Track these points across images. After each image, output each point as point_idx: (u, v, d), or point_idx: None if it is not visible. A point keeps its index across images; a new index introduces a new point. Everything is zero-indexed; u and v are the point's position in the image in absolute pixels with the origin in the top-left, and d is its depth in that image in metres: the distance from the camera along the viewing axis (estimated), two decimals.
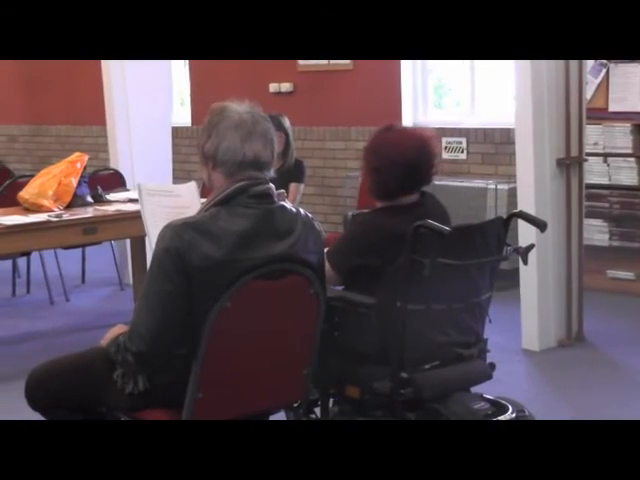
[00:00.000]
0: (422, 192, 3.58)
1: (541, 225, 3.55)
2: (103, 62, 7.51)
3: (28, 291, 7.25)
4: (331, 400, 3.56)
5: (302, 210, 3.10)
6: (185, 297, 2.85)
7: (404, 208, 3.50)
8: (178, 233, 2.85)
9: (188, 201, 3.27)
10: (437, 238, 3.19)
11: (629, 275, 6.70)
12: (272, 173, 3.02)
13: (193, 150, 8.99)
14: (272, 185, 3.01)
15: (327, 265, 3.34)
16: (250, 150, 2.93)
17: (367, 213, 3.63)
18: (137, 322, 2.91)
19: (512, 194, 6.49)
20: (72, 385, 3.15)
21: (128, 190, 6.64)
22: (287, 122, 6.45)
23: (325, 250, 3.28)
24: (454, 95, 7.89)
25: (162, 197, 3.86)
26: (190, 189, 4.00)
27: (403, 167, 3.46)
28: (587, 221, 6.20)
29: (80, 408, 3.15)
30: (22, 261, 7.23)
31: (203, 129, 3.00)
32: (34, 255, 7.02)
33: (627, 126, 6.59)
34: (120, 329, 3.03)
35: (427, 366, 3.35)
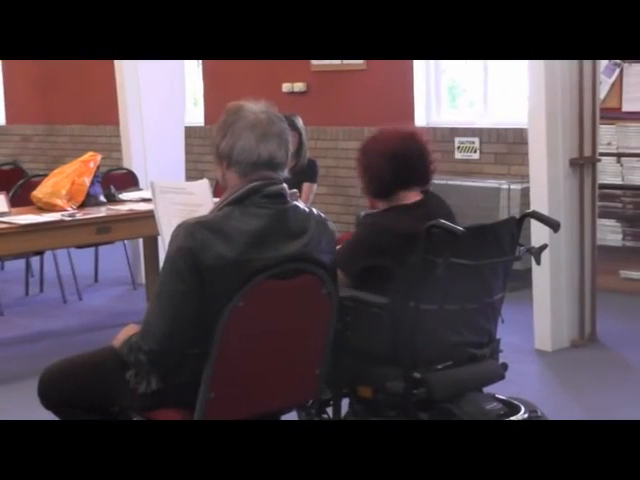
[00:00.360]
0: (426, 192, 3.59)
1: (554, 225, 3.55)
2: (116, 62, 7.52)
3: (41, 290, 7.27)
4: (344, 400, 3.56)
5: (315, 210, 3.10)
6: (197, 297, 2.86)
7: (409, 207, 3.50)
8: (191, 232, 2.85)
9: (201, 199, 3.27)
10: (450, 238, 3.19)
11: None
12: (286, 173, 3.03)
13: (206, 150, 9.01)
14: (286, 185, 3.01)
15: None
16: (265, 150, 2.93)
17: (373, 214, 3.63)
18: (150, 321, 2.92)
19: (525, 194, 6.47)
20: (84, 384, 3.16)
21: (141, 189, 6.65)
22: (300, 122, 6.46)
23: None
24: (467, 95, 7.87)
25: (175, 194, 3.86)
26: (203, 187, 4.01)
27: (392, 158, 3.48)
28: (600, 221, 6.18)
29: (92, 407, 3.16)
30: (35, 260, 7.26)
31: (218, 128, 3.00)
32: (47, 254, 7.05)
33: None
34: (132, 329, 3.03)
35: (440, 366, 3.34)
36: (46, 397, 3.24)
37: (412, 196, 3.54)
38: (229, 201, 2.94)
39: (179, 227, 2.89)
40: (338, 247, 3.45)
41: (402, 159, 3.51)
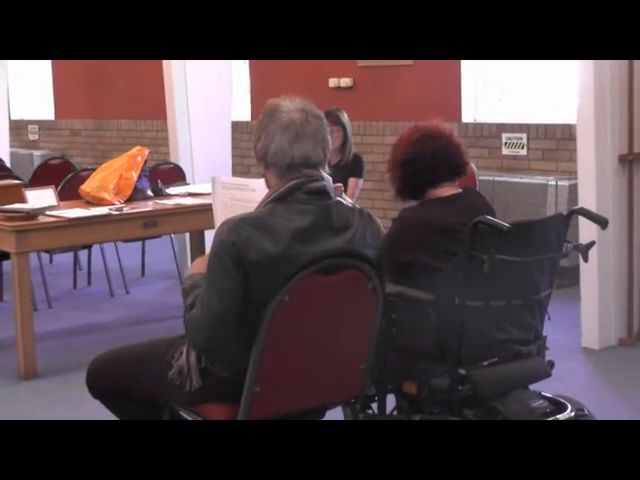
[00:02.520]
0: (466, 187, 3.63)
1: (602, 222, 3.51)
2: None
3: (89, 283, 7.34)
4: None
5: (358, 206, 3.09)
6: (243, 293, 2.87)
7: (444, 200, 3.52)
8: (235, 228, 2.85)
9: (260, 195, 3.28)
10: (496, 234, 3.17)
11: None
12: (327, 169, 3.02)
13: (252, 145, 9.02)
14: (329, 180, 3.00)
15: None
16: (299, 152, 2.92)
17: (409, 209, 3.62)
18: (196, 316, 2.93)
19: (573, 191, 6.42)
20: (132, 376, 3.19)
21: (188, 184, 6.69)
22: (345, 117, 6.46)
23: None
24: (515, 90, 7.82)
25: (236, 190, 3.85)
26: (263, 184, 4.00)
27: (401, 166, 3.59)
28: None
29: (140, 399, 3.19)
30: (83, 254, 7.33)
31: (256, 129, 3.02)
32: (95, 248, 7.11)
33: None
34: (202, 263, 3.01)
35: (485, 363, 3.33)
36: (93, 387, 3.28)
37: (447, 190, 3.55)
38: (272, 198, 2.95)
39: (223, 224, 2.90)
40: None
41: (410, 166, 3.58)
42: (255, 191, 3.64)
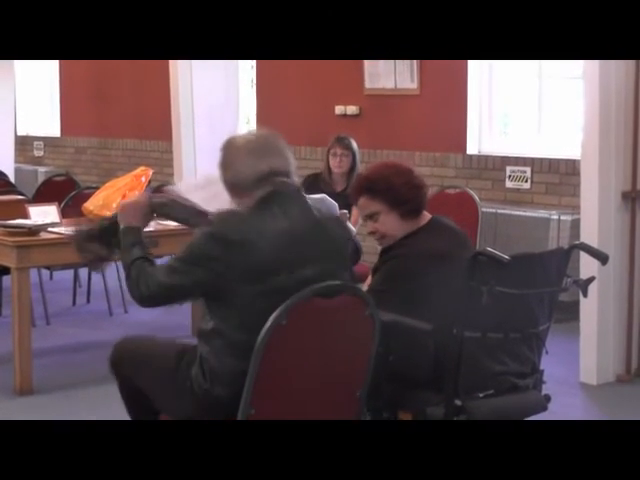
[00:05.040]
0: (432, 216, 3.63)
1: (603, 258, 3.51)
2: (172, 79, 7.62)
3: (88, 301, 7.34)
4: None
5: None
6: (206, 286, 2.99)
7: (424, 230, 3.54)
8: (224, 219, 3.02)
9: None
10: (496, 266, 3.17)
11: None
12: (296, 178, 3.16)
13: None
14: (297, 183, 3.14)
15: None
16: (265, 165, 3.07)
17: (399, 244, 3.58)
18: (159, 276, 3.13)
19: (575, 226, 6.42)
20: (139, 373, 3.29)
21: None
22: (354, 144, 6.49)
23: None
24: (520, 124, 7.84)
25: (202, 189, 3.86)
26: None
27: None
28: None
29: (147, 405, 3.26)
30: (83, 271, 7.32)
31: (219, 167, 3.16)
32: None
33: None
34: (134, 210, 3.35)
35: (481, 394, 3.32)
36: (113, 367, 3.40)
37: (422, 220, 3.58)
38: (253, 206, 3.05)
39: (217, 218, 3.05)
40: (369, 282, 3.49)
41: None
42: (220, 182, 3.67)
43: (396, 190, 3.51)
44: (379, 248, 3.66)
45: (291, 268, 2.95)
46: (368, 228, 3.60)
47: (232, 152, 3.13)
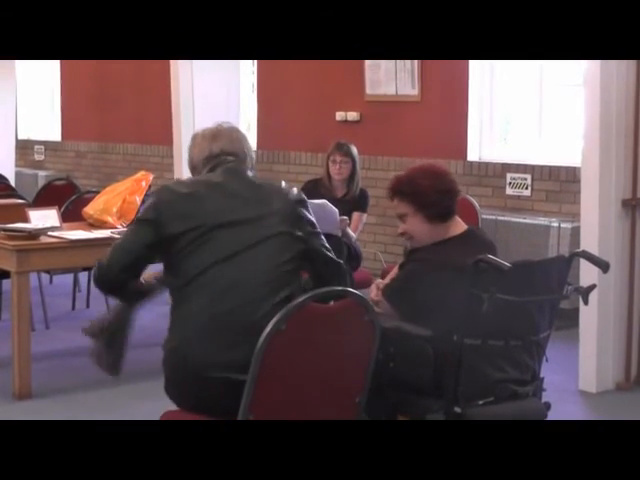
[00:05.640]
0: (468, 227, 3.61)
1: (603, 266, 3.51)
2: (172, 84, 7.61)
3: (87, 306, 7.33)
4: None
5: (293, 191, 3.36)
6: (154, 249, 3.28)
7: (458, 240, 3.50)
8: (167, 188, 3.31)
9: None
10: (497, 273, 3.17)
11: None
12: (252, 168, 3.41)
13: (257, 174, 9.04)
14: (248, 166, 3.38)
15: (387, 304, 3.47)
16: (216, 147, 3.37)
17: (425, 249, 3.59)
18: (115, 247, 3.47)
19: (575, 233, 6.42)
20: None
21: None
22: (355, 150, 6.48)
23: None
24: (520, 131, 7.84)
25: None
26: None
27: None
28: None
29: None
30: (83, 275, 7.32)
31: (188, 159, 3.48)
32: None
33: None
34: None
35: (481, 402, 3.31)
36: None
37: (455, 230, 3.55)
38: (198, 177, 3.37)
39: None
40: (386, 281, 3.49)
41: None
42: None
43: (421, 193, 3.52)
44: (408, 246, 3.75)
45: (223, 215, 3.16)
46: (399, 229, 3.64)
47: (193, 138, 3.47)
